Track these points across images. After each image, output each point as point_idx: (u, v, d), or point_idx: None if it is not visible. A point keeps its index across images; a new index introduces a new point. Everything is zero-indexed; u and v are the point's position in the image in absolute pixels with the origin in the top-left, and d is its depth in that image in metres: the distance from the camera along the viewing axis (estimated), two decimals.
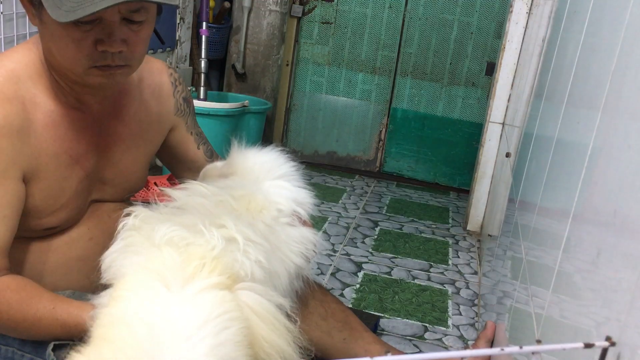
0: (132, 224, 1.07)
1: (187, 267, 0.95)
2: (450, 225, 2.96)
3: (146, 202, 1.14)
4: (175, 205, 1.14)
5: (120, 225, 1.08)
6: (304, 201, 1.29)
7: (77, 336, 1.00)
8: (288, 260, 1.18)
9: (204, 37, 3.13)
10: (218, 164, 1.37)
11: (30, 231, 1.18)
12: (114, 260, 1.04)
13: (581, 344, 0.58)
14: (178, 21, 3.16)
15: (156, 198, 1.16)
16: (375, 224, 2.84)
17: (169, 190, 1.18)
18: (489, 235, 2.49)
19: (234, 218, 1.09)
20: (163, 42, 1.39)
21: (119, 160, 1.28)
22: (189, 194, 1.17)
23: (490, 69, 3.38)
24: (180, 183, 1.26)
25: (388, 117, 3.64)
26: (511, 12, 2.62)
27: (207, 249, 1.00)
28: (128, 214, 1.09)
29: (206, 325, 0.87)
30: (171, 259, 0.96)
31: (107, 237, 1.09)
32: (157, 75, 1.36)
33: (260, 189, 1.24)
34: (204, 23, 3.14)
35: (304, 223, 1.27)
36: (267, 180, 1.28)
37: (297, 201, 1.27)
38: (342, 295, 2.08)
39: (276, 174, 1.29)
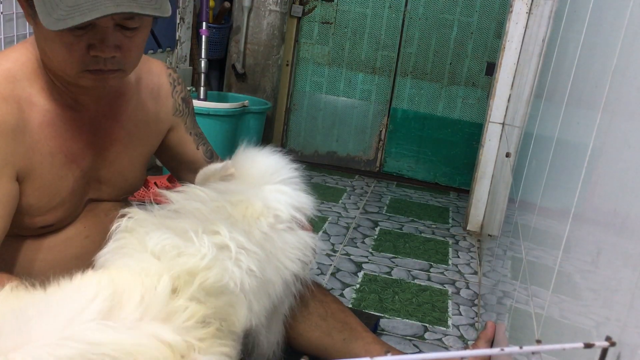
0: (126, 226, 1.07)
1: (170, 302, 0.93)
2: (450, 225, 2.96)
3: (142, 203, 1.14)
4: (171, 209, 1.14)
5: (114, 227, 1.08)
6: (304, 205, 1.29)
7: None
8: (283, 268, 1.18)
9: (204, 37, 3.13)
10: (217, 165, 1.37)
11: (25, 229, 1.18)
12: (106, 260, 1.04)
13: (581, 344, 0.58)
14: (178, 21, 3.16)
15: (152, 199, 1.17)
16: (375, 224, 2.84)
17: (166, 193, 1.18)
18: (489, 235, 2.49)
19: (228, 225, 1.09)
20: (160, 45, 1.38)
21: (115, 160, 1.28)
22: (186, 197, 1.17)
23: (490, 69, 3.38)
24: (180, 184, 1.26)
25: (388, 117, 3.64)
26: (511, 12, 2.62)
27: (198, 259, 1.00)
28: (123, 215, 1.09)
29: (80, 343, 0.82)
30: (159, 289, 0.94)
31: (104, 236, 1.09)
32: (155, 75, 1.36)
33: (259, 195, 1.23)
34: (204, 23, 3.14)
35: (303, 227, 1.27)
36: (268, 185, 1.27)
37: (296, 206, 1.27)
38: (342, 295, 2.08)
39: (278, 178, 1.29)
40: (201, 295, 1.00)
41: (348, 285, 2.16)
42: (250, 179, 1.28)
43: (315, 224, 1.31)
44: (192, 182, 1.31)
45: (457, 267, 2.45)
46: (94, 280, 0.92)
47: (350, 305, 2.01)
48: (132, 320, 0.89)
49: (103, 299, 0.87)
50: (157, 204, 1.16)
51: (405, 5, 3.48)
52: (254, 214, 1.18)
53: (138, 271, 0.98)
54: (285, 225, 1.22)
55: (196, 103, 2.69)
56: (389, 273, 2.31)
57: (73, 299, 0.87)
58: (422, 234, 2.77)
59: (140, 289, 0.93)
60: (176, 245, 1.02)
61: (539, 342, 0.92)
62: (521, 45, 2.63)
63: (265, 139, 3.50)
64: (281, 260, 1.18)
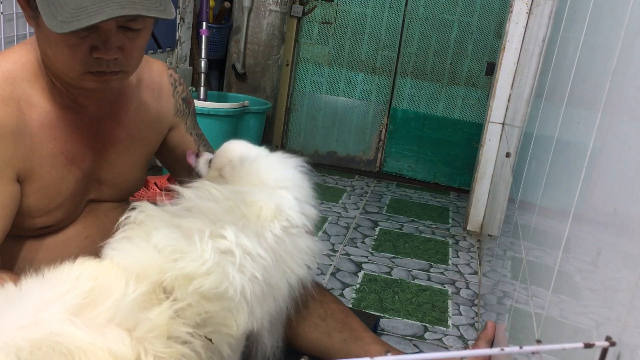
0: (135, 218, 1.08)
1: (141, 312, 0.94)
2: (450, 225, 2.96)
3: (153, 202, 1.14)
4: (183, 206, 1.14)
5: (123, 218, 1.08)
6: (312, 215, 1.28)
7: None
8: (290, 272, 1.18)
9: (204, 37, 3.13)
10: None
11: (25, 230, 1.18)
12: (113, 249, 1.05)
13: (581, 344, 0.58)
14: (178, 21, 3.16)
15: (164, 197, 1.17)
16: (375, 224, 2.84)
17: (180, 189, 1.17)
18: (489, 235, 2.49)
19: (237, 228, 1.08)
20: (160, 45, 1.38)
21: (116, 161, 1.28)
22: (200, 195, 1.16)
23: (490, 69, 3.38)
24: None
25: (388, 117, 3.64)
26: (511, 12, 2.62)
27: (198, 264, 1.01)
28: (133, 209, 1.09)
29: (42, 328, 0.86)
30: (132, 295, 0.94)
31: (104, 236, 1.09)
32: (156, 76, 1.36)
33: (272, 196, 1.22)
34: (204, 23, 3.14)
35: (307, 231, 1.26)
36: (279, 189, 1.26)
37: (305, 214, 1.26)
38: (342, 295, 2.08)
39: (284, 183, 1.27)
40: (194, 298, 1.00)
41: (348, 285, 2.16)
42: (258, 182, 1.26)
43: (316, 224, 1.31)
44: None
45: (457, 267, 2.45)
46: (73, 275, 0.94)
47: (350, 305, 2.01)
48: (99, 321, 0.89)
49: (76, 294, 0.90)
50: (168, 201, 1.16)
51: (405, 5, 3.48)
52: (268, 215, 1.16)
53: (131, 270, 0.98)
54: (298, 230, 1.21)
55: (196, 103, 2.68)
56: (389, 273, 2.31)
57: (48, 290, 0.90)
58: (422, 234, 2.77)
59: (122, 290, 0.93)
60: (179, 249, 1.02)
61: (539, 342, 0.92)
62: (521, 45, 2.63)
63: (265, 139, 3.50)
64: (289, 265, 1.17)
